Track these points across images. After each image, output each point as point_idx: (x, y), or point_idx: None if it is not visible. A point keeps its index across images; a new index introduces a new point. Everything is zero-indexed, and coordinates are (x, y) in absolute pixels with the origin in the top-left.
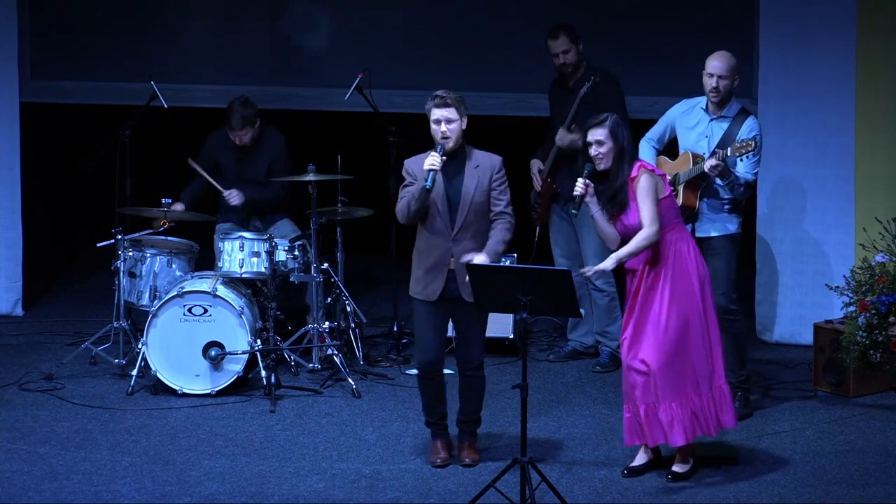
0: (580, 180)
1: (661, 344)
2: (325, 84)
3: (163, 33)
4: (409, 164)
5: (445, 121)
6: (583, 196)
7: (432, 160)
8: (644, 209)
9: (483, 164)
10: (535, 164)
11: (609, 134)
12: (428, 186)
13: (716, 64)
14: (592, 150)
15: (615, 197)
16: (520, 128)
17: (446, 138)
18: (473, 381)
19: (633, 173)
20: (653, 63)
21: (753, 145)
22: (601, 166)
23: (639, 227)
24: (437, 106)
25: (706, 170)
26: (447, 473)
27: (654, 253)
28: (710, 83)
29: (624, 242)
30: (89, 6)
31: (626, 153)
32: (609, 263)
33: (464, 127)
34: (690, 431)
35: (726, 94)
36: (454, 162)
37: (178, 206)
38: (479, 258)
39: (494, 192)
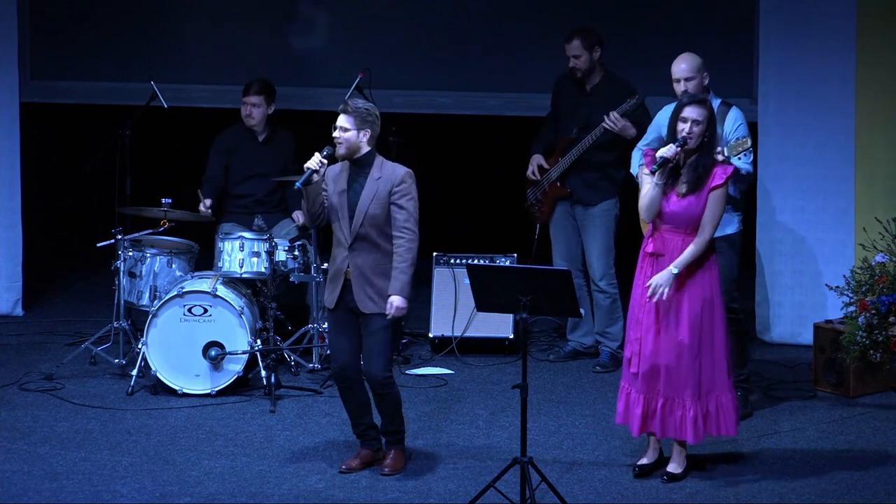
0: (672, 146)
1: (687, 340)
2: (325, 84)
3: (163, 33)
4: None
5: (341, 129)
6: (667, 161)
7: (312, 160)
8: (716, 217)
9: (385, 176)
10: (537, 160)
11: (709, 117)
12: (297, 185)
13: (681, 68)
14: (687, 128)
15: (700, 177)
16: (520, 128)
17: (338, 144)
18: (383, 399)
19: (727, 175)
20: (652, 63)
21: (748, 143)
22: (691, 144)
23: (687, 215)
24: (340, 112)
25: None
26: (447, 474)
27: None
28: (679, 88)
29: (668, 222)
30: (89, 6)
31: (717, 138)
32: (673, 271)
33: (364, 139)
34: (702, 431)
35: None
36: (360, 171)
37: (209, 202)
38: (395, 300)
39: (394, 205)
